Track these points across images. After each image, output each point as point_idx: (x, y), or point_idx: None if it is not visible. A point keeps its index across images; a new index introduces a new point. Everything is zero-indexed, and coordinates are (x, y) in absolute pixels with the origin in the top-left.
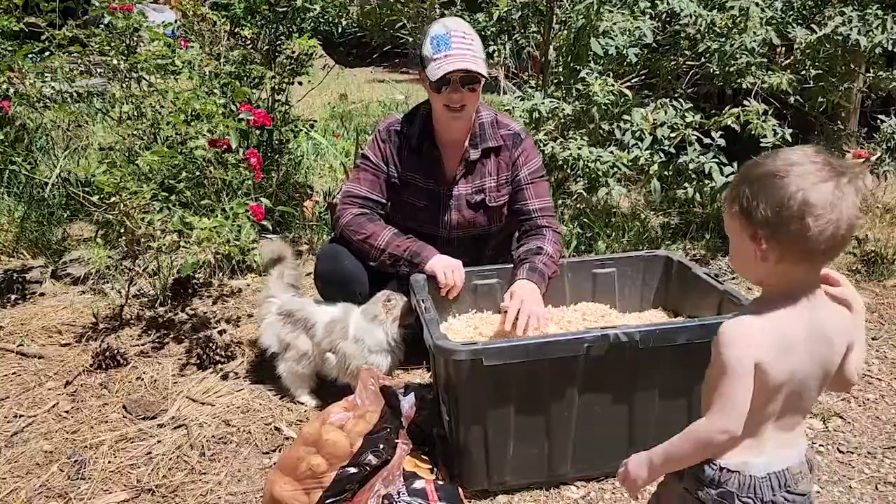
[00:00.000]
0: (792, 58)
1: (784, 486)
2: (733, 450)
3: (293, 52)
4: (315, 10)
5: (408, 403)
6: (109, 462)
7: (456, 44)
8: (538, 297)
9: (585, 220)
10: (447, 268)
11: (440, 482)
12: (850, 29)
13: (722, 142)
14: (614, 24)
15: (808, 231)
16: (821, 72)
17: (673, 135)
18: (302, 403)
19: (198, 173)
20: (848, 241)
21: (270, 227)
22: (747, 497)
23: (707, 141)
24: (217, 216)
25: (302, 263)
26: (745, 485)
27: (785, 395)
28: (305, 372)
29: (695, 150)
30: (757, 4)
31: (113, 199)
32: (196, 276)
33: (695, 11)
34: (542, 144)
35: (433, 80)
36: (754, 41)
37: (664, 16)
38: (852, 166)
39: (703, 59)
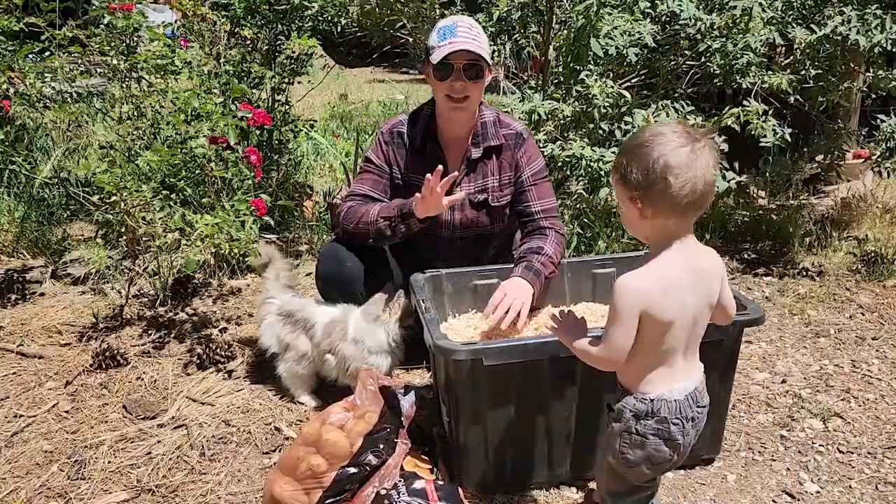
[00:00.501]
0: (792, 57)
1: (696, 402)
2: (655, 382)
3: (293, 52)
4: (314, 7)
5: (408, 403)
6: (109, 462)
7: (461, 32)
8: (526, 293)
9: (585, 220)
10: (427, 188)
11: (440, 482)
12: (850, 29)
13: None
14: (615, 27)
15: (671, 188)
16: (820, 71)
17: None
18: (302, 403)
19: (198, 171)
20: (709, 196)
21: (273, 224)
22: (676, 418)
23: None
24: (219, 213)
25: (302, 263)
26: (673, 409)
27: (682, 328)
28: (305, 372)
29: None
30: (760, 5)
31: (113, 198)
32: (196, 276)
33: (694, 15)
34: (541, 145)
35: (435, 64)
36: (758, 41)
37: (664, 17)
38: (707, 133)
39: (703, 59)
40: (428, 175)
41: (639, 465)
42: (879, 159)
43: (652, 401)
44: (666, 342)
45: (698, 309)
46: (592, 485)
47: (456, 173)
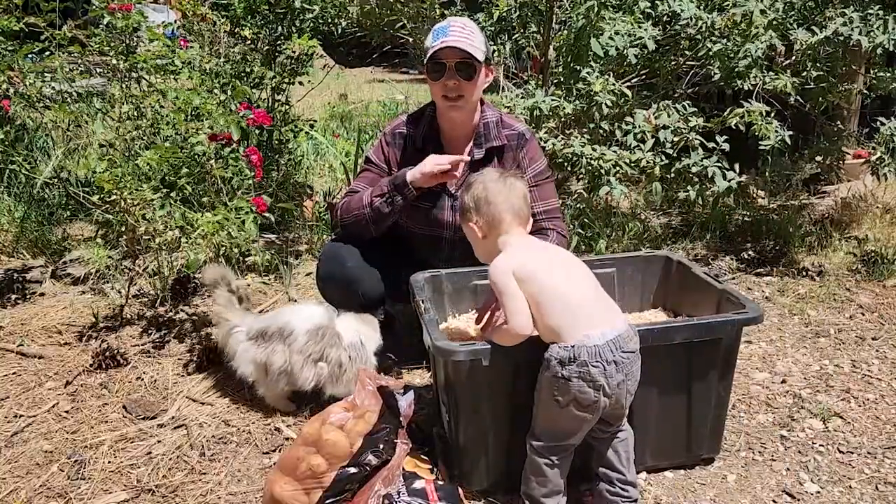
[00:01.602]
0: (793, 58)
1: (619, 347)
2: (569, 332)
3: (293, 53)
4: (314, 10)
5: (405, 402)
6: (109, 462)
7: (453, 32)
8: None
9: (585, 219)
10: (427, 163)
11: (440, 482)
12: (852, 30)
13: (726, 146)
14: (616, 32)
15: (491, 205)
16: (821, 73)
17: (676, 139)
18: (292, 413)
19: (198, 169)
20: (522, 209)
21: (273, 220)
22: (596, 362)
23: (710, 144)
24: (220, 211)
25: (302, 263)
26: (593, 353)
27: (559, 282)
28: (287, 388)
29: (698, 153)
30: (763, 12)
31: (114, 196)
32: (196, 275)
33: (695, 14)
34: (543, 141)
35: (427, 63)
36: (759, 48)
37: (664, 18)
38: (513, 173)
39: (703, 60)
40: (454, 158)
41: (568, 407)
42: (877, 162)
43: (572, 347)
44: (556, 299)
45: (567, 265)
46: (593, 483)
47: (468, 157)
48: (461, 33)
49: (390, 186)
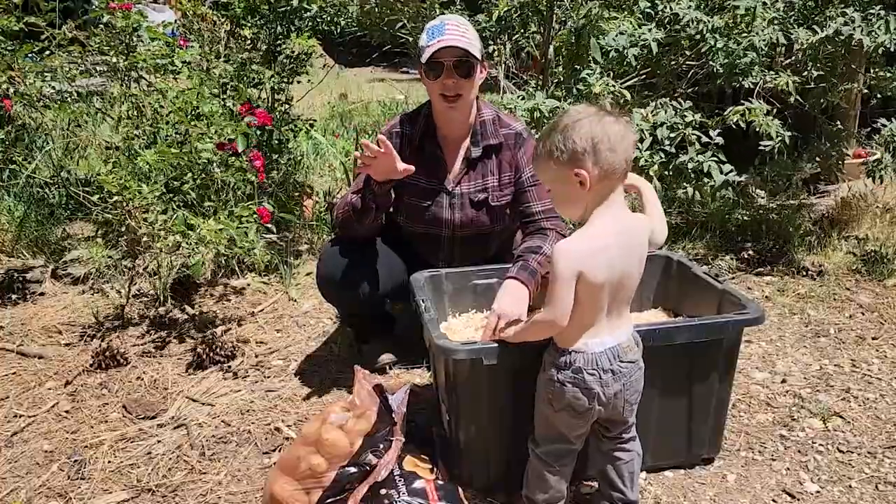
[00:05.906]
0: (793, 58)
1: (617, 357)
2: (576, 338)
3: (293, 52)
4: (312, 9)
5: (398, 400)
6: (109, 462)
7: (449, 30)
8: (520, 297)
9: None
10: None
11: (440, 482)
12: (854, 29)
13: (720, 140)
14: (620, 33)
15: (616, 152)
16: (822, 73)
17: (673, 135)
18: None
19: (202, 174)
20: (630, 163)
21: (273, 228)
22: (592, 369)
23: (706, 140)
24: (223, 218)
25: (302, 263)
26: (589, 360)
27: (609, 290)
28: None
29: (695, 148)
30: (764, 4)
31: (115, 198)
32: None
33: (695, 17)
34: None
35: (424, 63)
36: (762, 42)
37: (666, 19)
38: (623, 112)
39: (705, 59)
40: (366, 141)
41: (563, 412)
42: (874, 164)
43: (570, 353)
44: (595, 304)
45: (625, 270)
46: (594, 483)
47: (411, 167)
48: (457, 31)
49: (363, 184)
